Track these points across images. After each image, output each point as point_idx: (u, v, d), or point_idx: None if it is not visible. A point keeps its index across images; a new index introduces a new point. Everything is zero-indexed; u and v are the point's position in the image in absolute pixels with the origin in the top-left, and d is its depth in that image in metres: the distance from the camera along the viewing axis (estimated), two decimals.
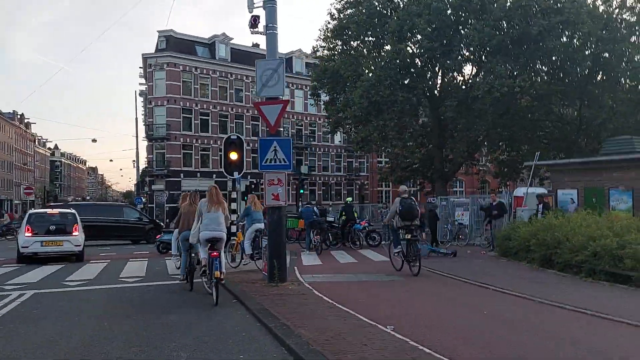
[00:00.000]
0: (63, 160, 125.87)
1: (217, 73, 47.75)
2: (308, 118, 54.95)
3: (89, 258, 15.70)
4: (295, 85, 53.58)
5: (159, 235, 18.68)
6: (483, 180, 47.65)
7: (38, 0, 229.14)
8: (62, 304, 8.09)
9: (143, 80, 47.68)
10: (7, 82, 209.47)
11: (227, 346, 5.62)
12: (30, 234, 15.04)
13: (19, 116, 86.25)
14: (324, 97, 34.40)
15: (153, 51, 46.42)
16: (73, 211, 16.84)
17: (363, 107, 26.28)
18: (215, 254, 8.18)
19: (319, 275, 11.30)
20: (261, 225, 12.46)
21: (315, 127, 55.46)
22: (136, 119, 41.45)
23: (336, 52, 31.50)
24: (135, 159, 40.72)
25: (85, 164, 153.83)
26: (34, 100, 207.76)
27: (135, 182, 41.75)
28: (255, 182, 49.37)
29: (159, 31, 46.65)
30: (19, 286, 9.88)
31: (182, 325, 6.62)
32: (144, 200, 44.05)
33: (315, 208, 19.54)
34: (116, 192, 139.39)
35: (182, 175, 44.04)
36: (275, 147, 9.61)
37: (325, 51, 32.46)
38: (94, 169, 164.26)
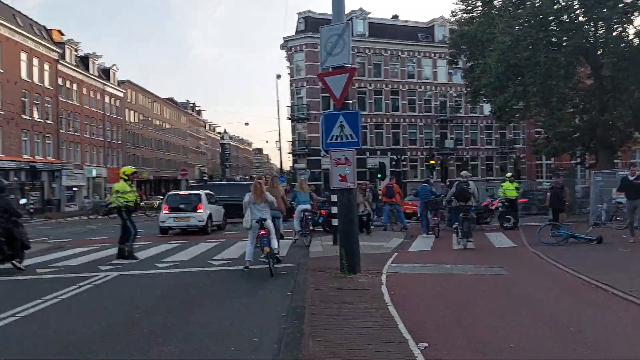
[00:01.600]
0: (231, 142, 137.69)
1: (355, 50, 47.08)
2: (452, 88, 51.67)
3: (216, 235, 16.54)
4: (437, 55, 50.67)
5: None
6: None
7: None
8: (126, 290, 8.18)
9: (287, 63, 49.27)
10: (179, 74, 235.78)
11: (224, 342, 4.95)
12: (166, 211, 17.90)
13: (191, 105, 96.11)
14: (467, 64, 31.83)
15: (293, 33, 47.50)
16: (199, 192, 19.07)
17: (499, 72, 23.40)
18: (263, 232, 9.41)
19: (410, 265, 10.09)
20: (306, 206, 14.22)
21: (461, 98, 51.90)
22: (277, 101, 43.18)
23: (475, 14, 28.64)
24: (278, 139, 42.34)
25: (250, 145, 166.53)
26: (201, 89, 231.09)
27: (280, 162, 43.46)
28: (396, 158, 48.19)
29: (298, 13, 47.56)
30: (112, 267, 10.42)
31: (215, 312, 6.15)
32: (287, 178, 45.77)
33: (434, 187, 18.10)
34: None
35: (322, 154, 44.64)
36: (341, 122, 8.60)
37: (464, 14, 29.72)
38: (260, 150, 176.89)
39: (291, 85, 47.41)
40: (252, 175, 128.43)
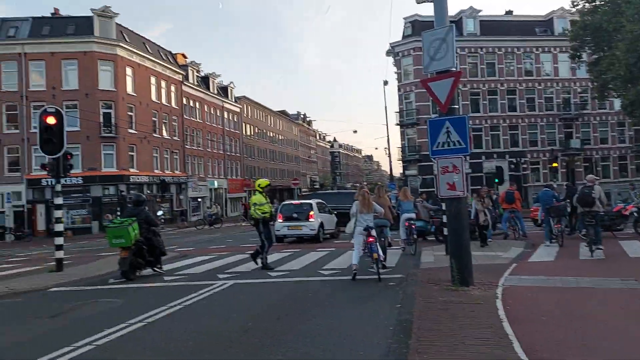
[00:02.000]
0: (341, 150, 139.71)
1: (466, 50, 45.54)
2: (576, 84, 47.67)
3: (328, 244, 16.80)
4: (557, 49, 47.14)
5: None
6: None
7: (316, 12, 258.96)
8: (240, 298, 8.57)
9: (394, 69, 48.98)
10: (290, 87, 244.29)
11: (331, 353, 4.97)
12: (281, 220, 18.59)
13: (302, 116, 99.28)
14: (592, 56, 29.38)
15: (400, 39, 47.09)
16: (310, 201, 19.54)
17: (629, 63, 21.20)
18: (371, 239, 9.96)
19: (530, 277, 9.41)
20: (410, 215, 14.27)
21: (587, 93, 47.72)
22: (385, 107, 42.82)
23: (598, 2, 26.35)
24: (387, 146, 42.09)
25: (360, 153, 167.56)
26: (311, 99, 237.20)
27: (389, 169, 43.09)
28: (515, 161, 45.49)
29: (404, 18, 47.06)
30: (229, 275, 11.00)
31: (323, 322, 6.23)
32: (398, 185, 45.28)
33: (558, 192, 16.72)
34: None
35: (434, 159, 43.50)
36: (447, 128, 8.29)
37: (587, 4, 27.47)
38: (370, 157, 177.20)
39: (399, 90, 46.96)
40: (361, 182, 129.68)
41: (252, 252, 12.42)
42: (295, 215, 18.59)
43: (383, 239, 11.51)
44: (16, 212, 35.02)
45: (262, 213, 11.74)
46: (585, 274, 9.51)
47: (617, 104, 46.70)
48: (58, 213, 12.48)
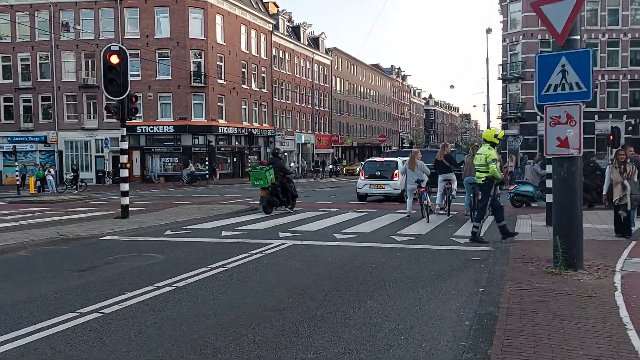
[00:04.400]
0: (436, 108, 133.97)
1: None
2: None
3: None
4: None
5: (512, 187, 16.51)
6: None
7: None
8: (291, 265, 7.44)
9: (499, 17, 44.57)
10: (385, 40, 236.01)
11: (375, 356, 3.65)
12: (363, 178, 17.76)
13: (396, 70, 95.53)
14: None
15: None
16: (396, 159, 18.31)
17: None
18: (421, 189, 12.45)
19: None
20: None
21: None
22: (487, 59, 39.08)
23: None
24: (485, 102, 38.67)
25: (457, 111, 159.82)
26: (405, 52, 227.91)
27: (487, 128, 39.74)
28: (633, 122, 40.19)
29: None
30: (291, 234, 9.94)
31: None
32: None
33: None
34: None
35: (538, 118, 39.45)
36: (563, 66, 6.34)
37: None
38: (467, 115, 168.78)
39: (504, 40, 42.72)
40: (457, 142, 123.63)
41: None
42: (378, 173, 17.56)
43: (472, 195, 12.09)
44: (114, 157, 36.74)
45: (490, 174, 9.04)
46: None
47: None
48: (123, 158, 12.05)
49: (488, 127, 41.35)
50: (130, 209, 13.05)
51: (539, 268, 6.76)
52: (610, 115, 40.22)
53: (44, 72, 39.17)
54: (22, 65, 39.32)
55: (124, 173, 12.17)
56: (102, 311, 4.82)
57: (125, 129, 11.90)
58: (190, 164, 35.04)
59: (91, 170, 38.25)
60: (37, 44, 38.19)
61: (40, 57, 38.90)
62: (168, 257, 7.61)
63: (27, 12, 38.13)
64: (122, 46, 11.63)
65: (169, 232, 10.26)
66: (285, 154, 14.93)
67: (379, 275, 6.71)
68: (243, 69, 42.06)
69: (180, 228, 10.67)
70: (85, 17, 37.51)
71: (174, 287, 5.77)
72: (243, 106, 42.24)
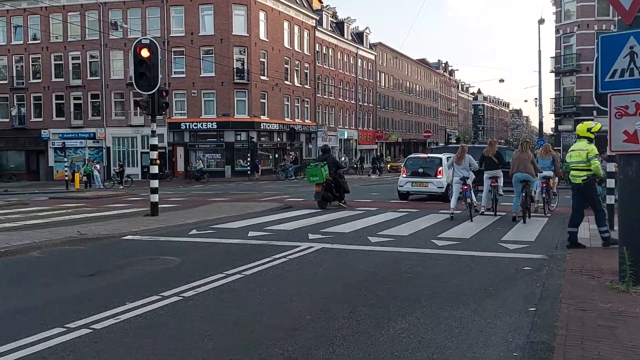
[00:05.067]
0: (485, 103, 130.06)
1: None
2: None
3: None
4: None
5: None
6: None
7: None
8: (318, 272, 6.79)
9: (552, 8, 42.33)
10: (432, 34, 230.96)
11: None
12: (405, 175, 16.79)
13: (443, 64, 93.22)
14: None
15: None
16: (440, 156, 17.29)
17: None
18: (465, 187, 11.92)
19: None
20: (547, 173, 12.66)
21: None
22: (539, 51, 37.15)
23: None
24: (537, 96, 36.73)
25: (507, 107, 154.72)
26: (454, 47, 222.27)
27: (539, 123, 37.74)
28: None
29: None
30: (322, 236, 9.29)
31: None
32: (549, 142, 39.72)
33: None
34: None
35: (594, 112, 37.13)
36: (631, 47, 5.39)
37: None
38: (518, 111, 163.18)
39: (557, 32, 40.50)
40: (507, 139, 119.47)
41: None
42: (421, 170, 16.53)
43: (524, 194, 11.34)
44: (159, 153, 37.21)
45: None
46: None
47: None
48: (153, 154, 11.74)
49: (540, 122, 39.46)
50: (163, 205, 12.80)
51: (601, 282, 5.84)
52: None
53: (93, 70, 40.19)
54: (73, 63, 40.46)
55: (154, 169, 11.86)
56: (92, 326, 4.31)
57: (155, 124, 11.59)
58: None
59: (137, 166, 38.92)
60: (87, 43, 39.17)
61: (90, 56, 39.90)
62: (185, 261, 7.11)
63: (78, 12, 39.17)
64: (152, 39, 11.29)
65: (194, 231, 9.82)
66: (330, 149, 14.83)
67: (414, 287, 5.95)
68: (286, 65, 41.73)
69: (207, 227, 10.22)
70: (133, 16, 38.15)
71: (180, 298, 5.22)
72: (285, 102, 41.94)
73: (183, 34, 37.08)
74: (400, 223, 11.21)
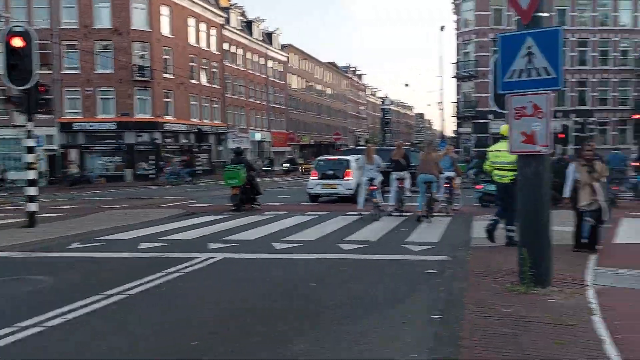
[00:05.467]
0: (392, 107, 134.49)
1: None
2: None
3: (365, 207, 12.70)
4: None
5: (480, 186, 15.88)
6: None
7: None
8: (214, 287, 6.21)
9: (453, 17, 44.50)
10: (340, 38, 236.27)
11: None
12: (314, 177, 16.55)
13: (352, 68, 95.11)
14: None
15: None
16: (348, 157, 17.29)
17: None
18: (373, 187, 12.14)
19: (632, 272, 6.53)
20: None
21: None
22: (440, 57, 38.99)
23: None
24: (439, 101, 38.45)
25: (412, 110, 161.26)
26: (361, 50, 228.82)
27: (441, 126, 39.57)
28: (581, 121, 40.80)
29: None
30: (224, 245, 8.67)
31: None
32: (450, 144, 41.63)
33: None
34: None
35: (490, 116, 39.49)
36: (529, 48, 5.37)
37: None
38: (421, 115, 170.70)
39: (457, 39, 42.62)
40: (412, 141, 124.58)
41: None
42: (330, 172, 16.39)
43: (429, 195, 11.60)
44: (50, 156, 34.18)
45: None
46: None
47: None
48: (29, 157, 10.39)
49: (442, 126, 41.18)
50: (48, 215, 11.43)
51: (503, 285, 5.79)
52: (560, 114, 40.71)
53: None
54: None
55: (31, 175, 10.50)
56: None
57: (32, 123, 10.24)
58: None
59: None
60: None
61: None
62: (58, 281, 6.18)
63: None
64: (27, 28, 9.99)
65: (76, 244, 8.73)
66: (243, 152, 14.21)
67: (318, 298, 5.56)
68: (192, 64, 40.14)
69: (93, 239, 9.17)
70: (17, 5, 34.64)
71: (42, 329, 4.40)
72: (192, 102, 40.34)
73: (76, 27, 34.30)
74: (308, 227, 10.85)
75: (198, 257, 7.54)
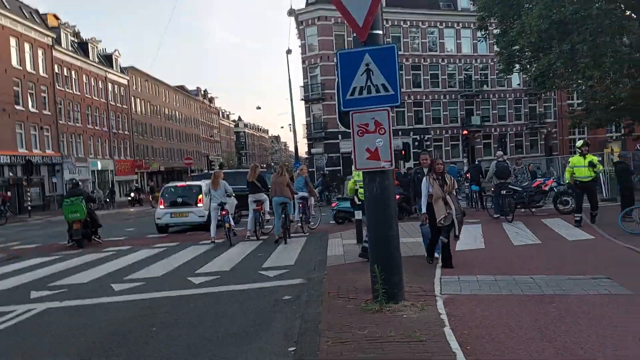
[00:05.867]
0: (246, 130, 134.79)
1: None
2: (478, 60, 47.78)
3: (219, 234, 12.39)
4: (460, 25, 46.84)
5: (334, 203, 15.88)
6: None
7: None
8: (33, 343, 5.18)
9: (298, 42, 45.95)
10: (190, 62, 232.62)
11: None
12: (162, 207, 15.38)
13: (202, 92, 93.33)
14: (495, 31, 28.39)
15: (303, 6, 44.02)
16: (199, 183, 16.41)
17: (541, 30, 19.92)
18: (224, 212, 11.98)
19: (471, 277, 6.89)
20: (302, 194, 13.11)
21: (487, 70, 48.04)
22: (289, 80, 39.73)
23: None
24: (291, 122, 39.15)
25: (267, 133, 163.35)
26: (213, 76, 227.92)
27: (294, 147, 40.20)
28: (419, 138, 44.63)
29: None
30: (52, 292, 7.44)
31: None
32: (304, 164, 42.58)
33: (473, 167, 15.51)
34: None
35: (339, 137, 41.35)
36: (367, 65, 5.40)
37: None
38: (277, 137, 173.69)
39: (303, 62, 44.02)
40: (269, 162, 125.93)
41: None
42: (180, 200, 15.33)
43: (284, 216, 11.50)
44: None
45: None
46: (539, 269, 7.23)
47: (515, 81, 47.78)
48: None
49: (295, 147, 41.98)
50: None
51: (357, 304, 5.69)
52: (400, 133, 44.10)
53: None
54: None
55: None
56: None
57: None
58: None
59: None
60: None
61: None
62: None
63: None
64: None
65: None
66: (80, 183, 12.73)
67: (161, 346, 4.88)
68: (16, 88, 35.71)
69: None
70: None
71: None
72: (18, 130, 35.80)
73: None
74: (155, 261, 9.92)
75: (16, 310, 6.33)
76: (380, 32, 5.53)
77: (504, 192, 13.83)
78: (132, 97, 56.90)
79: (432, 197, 7.43)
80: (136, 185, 46.28)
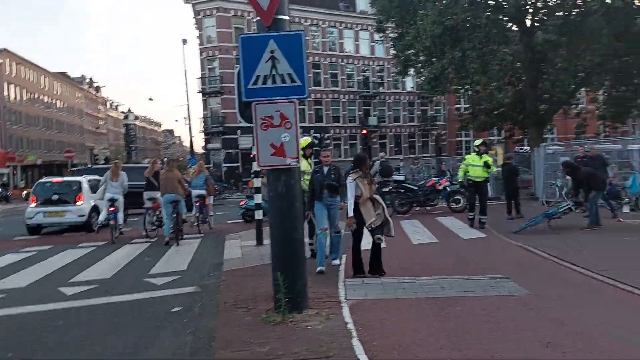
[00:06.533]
0: (136, 123, 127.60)
1: None
2: (375, 62, 49.10)
3: (103, 235, 11.81)
4: (359, 26, 47.81)
5: (243, 202, 15.05)
6: (580, 125, 38.02)
7: None
8: None
9: (196, 32, 43.99)
10: (73, 46, 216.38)
11: None
12: (34, 204, 13.81)
13: (87, 80, 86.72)
14: (392, 34, 29.10)
15: None
16: (79, 179, 14.79)
17: (435, 35, 20.70)
18: (112, 209, 11.32)
19: (376, 281, 6.65)
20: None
21: (383, 72, 49.56)
22: (185, 71, 38.06)
23: None
24: (187, 116, 37.38)
25: (160, 126, 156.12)
26: (100, 63, 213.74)
27: (190, 141, 38.46)
28: (319, 136, 44.94)
29: None
30: None
31: None
32: (199, 160, 40.97)
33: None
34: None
35: (238, 132, 40.29)
36: (272, 52, 4.89)
37: None
38: (170, 131, 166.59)
39: (201, 54, 42.28)
40: (163, 158, 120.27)
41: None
42: (55, 197, 13.67)
43: (175, 215, 10.71)
44: None
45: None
46: (438, 270, 7.16)
47: (410, 84, 49.88)
48: None
49: (191, 142, 40.19)
50: None
51: (257, 315, 5.16)
52: (301, 130, 43.99)
53: None
54: None
55: None
56: None
57: None
58: None
59: None
60: None
61: None
62: None
63: None
64: None
65: None
66: None
67: None
68: None
69: None
70: None
71: None
72: None
73: None
74: (22, 268, 8.62)
75: None
76: (287, 17, 5.04)
77: (387, 189, 14.59)
78: (6, 83, 51.20)
79: (360, 198, 6.67)
80: (4, 180, 41.54)
